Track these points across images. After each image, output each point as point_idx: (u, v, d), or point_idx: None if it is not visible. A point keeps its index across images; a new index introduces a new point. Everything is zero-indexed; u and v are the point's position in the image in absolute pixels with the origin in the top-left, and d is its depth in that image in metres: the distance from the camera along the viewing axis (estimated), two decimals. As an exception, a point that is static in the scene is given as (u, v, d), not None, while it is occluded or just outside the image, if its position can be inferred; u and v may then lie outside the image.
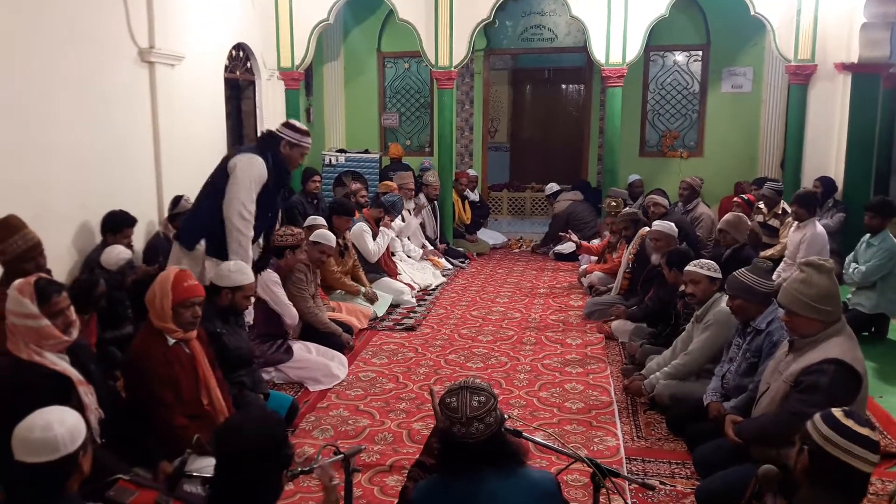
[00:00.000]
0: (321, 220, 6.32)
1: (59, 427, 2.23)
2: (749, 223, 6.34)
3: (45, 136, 5.39)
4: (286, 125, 4.92)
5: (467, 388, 2.31)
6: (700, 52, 10.68)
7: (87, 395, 3.10)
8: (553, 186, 10.23)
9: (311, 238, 5.75)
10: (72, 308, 3.14)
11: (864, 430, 2.25)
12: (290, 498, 3.53)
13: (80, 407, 3.03)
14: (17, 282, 3.03)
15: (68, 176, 5.62)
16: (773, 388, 3.44)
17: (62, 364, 3.05)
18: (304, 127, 4.95)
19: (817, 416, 2.33)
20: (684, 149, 10.87)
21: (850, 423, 2.26)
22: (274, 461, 2.21)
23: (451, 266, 8.81)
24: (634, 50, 8.63)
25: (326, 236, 5.83)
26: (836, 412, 2.30)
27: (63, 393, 3.00)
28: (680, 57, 10.80)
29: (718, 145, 10.69)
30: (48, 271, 4.19)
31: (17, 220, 3.93)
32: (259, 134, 5.29)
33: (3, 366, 3.09)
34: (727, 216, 6.07)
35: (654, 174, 10.58)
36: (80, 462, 2.28)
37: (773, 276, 5.57)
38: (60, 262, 5.35)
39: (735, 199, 7.79)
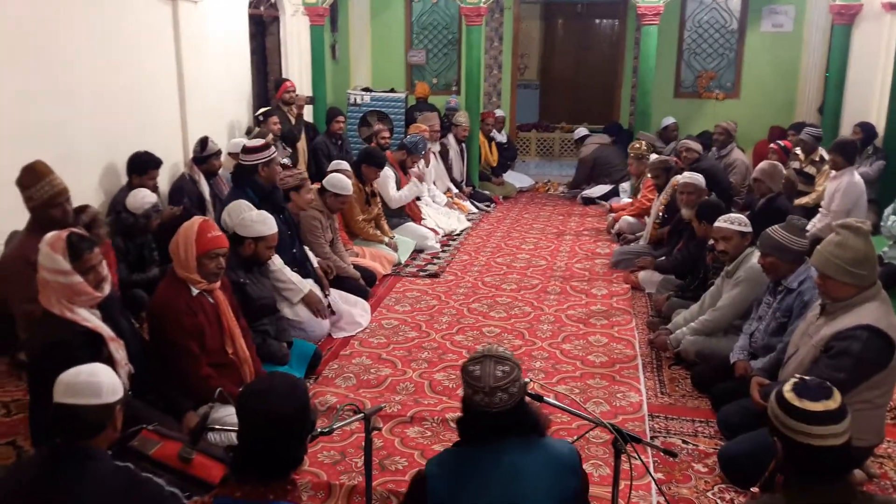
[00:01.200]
0: (345, 165, 6.24)
1: (104, 376, 2.29)
2: (784, 171, 6.16)
3: (68, 77, 5.34)
4: (244, 151, 5.17)
5: (491, 356, 2.26)
6: (740, -11, 10.27)
7: (118, 350, 3.12)
8: (581, 131, 10.03)
9: (327, 187, 5.61)
10: (104, 263, 3.13)
11: (818, 405, 2.04)
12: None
13: (110, 362, 3.05)
14: (49, 236, 3.00)
15: (93, 117, 5.58)
16: (802, 352, 3.37)
17: (94, 321, 3.05)
18: (259, 143, 5.21)
19: (772, 401, 2.16)
20: (720, 90, 10.55)
21: (804, 403, 2.05)
22: (298, 429, 2.18)
23: (476, 210, 8.72)
24: (672, -14, 8.29)
25: (344, 185, 5.64)
26: (788, 393, 2.10)
27: (94, 349, 3.02)
28: (719, -7, 10.39)
29: (756, 87, 10.36)
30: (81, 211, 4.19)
31: (44, 166, 3.91)
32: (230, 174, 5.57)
33: (36, 320, 3.11)
34: (762, 164, 5.89)
35: (688, 116, 10.32)
36: (115, 416, 2.31)
37: (808, 226, 5.45)
38: (87, 203, 5.35)
39: (771, 145, 7.56)
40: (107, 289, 3.13)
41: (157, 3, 6.35)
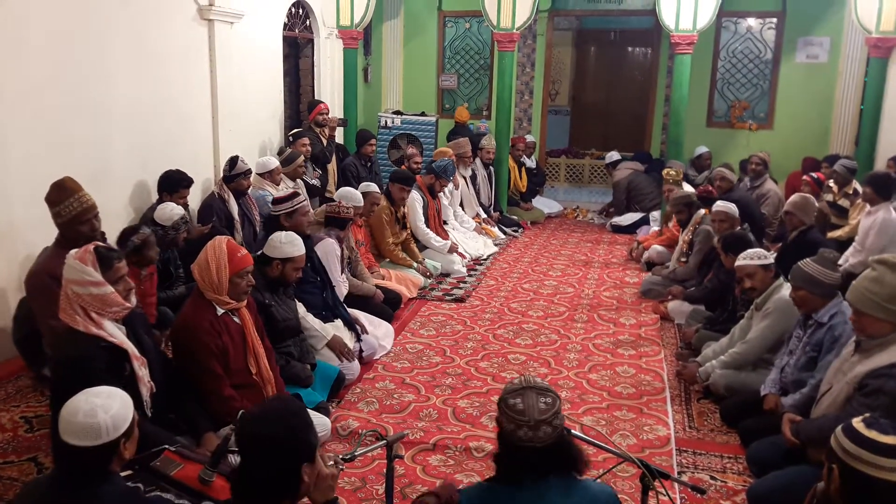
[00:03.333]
0: (374, 187, 6.24)
1: (102, 414, 2.20)
2: (817, 204, 6.06)
3: (104, 94, 5.43)
4: (273, 202, 5.23)
5: (532, 387, 2.19)
6: (774, 20, 10.19)
7: (141, 368, 3.10)
8: (613, 155, 9.97)
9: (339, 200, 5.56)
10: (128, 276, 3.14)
11: (890, 439, 2.05)
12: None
13: (132, 379, 3.04)
14: (75, 251, 3.01)
15: (126, 135, 5.67)
16: (836, 389, 3.29)
17: (119, 336, 3.04)
18: (285, 193, 5.27)
19: (838, 431, 2.15)
20: (753, 120, 10.45)
21: (872, 433, 2.07)
22: (287, 454, 2.13)
23: (503, 235, 8.69)
24: (706, 16, 8.22)
25: (353, 196, 5.64)
26: (857, 423, 2.12)
27: (118, 365, 3.01)
28: (753, 23, 10.33)
29: (789, 118, 10.24)
30: (102, 234, 4.22)
31: (73, 183, 3.94)
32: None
33: (60, 337, 3.12)
34: (794, 197, 5.79)
35: (721, 146, 10.22)
36: (121, 449, 2.27)
37: (840, 261, 5.33)
38: (118, 220, 5.42)
39: (804, 177, 7.46)
40: (133, 300, 3.13)
41: (193, 23, 6.44)
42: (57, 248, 3.85)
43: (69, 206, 3.85)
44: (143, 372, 3.10)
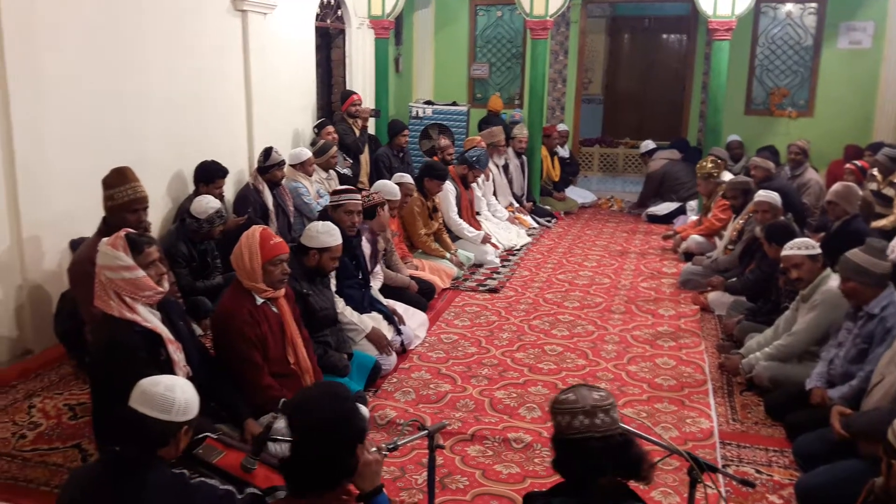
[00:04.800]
0: (408, 178, 6.20)
1: (181, 394, 2.28)
2: (860, 192, 5.90)
3: (142, 85, 5.46)
4: (331, 193, 5.12)
5: (583, 385, 2.18)
6: (815, 5, 9.97)
7: (176, 352, 3.12)
8: (649, 144, 9.83)
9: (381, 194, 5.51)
10: (164, 259, 3.17)
11: None
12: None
13: (169, 364, 3.06)
14: (107, 238, 3.06)
15: (163, 125, 5.69)
16: (889, 381, 3.21)
17: (153, 321, 3.07)
18: (344, 187, 5.23)
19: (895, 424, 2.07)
20: (793, 108, 10.24)
21: None
22: (341, 436, 2.13)
23: (536, 225, 8.60)
24: (745, 1, 8.05)
25: (391, 190, 5.63)
26: None
27: (154, 350, 3.03)
28: (793, 9, 10.10)
29: (831, 105, 10.01)
30: (148, 225, 4.24)
31: (132, 173, 4.03)
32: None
33: (96, 323, 3.14)
34: (836, 186, 5.64)
35: (759, 134, 10.01)
36: (179, 436, 2.30)
37: (887, 252, 5.19)
38: (155, 210, 5.42)
39: (848, 165, 7.28)
40: (166, 285, 3.15)
41: (227, 14, 6.45)
42: (98, 237, 3.86)
43: (123, 193, 3.92)
44: (178, 356, 3.12)
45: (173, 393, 2.26)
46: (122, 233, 3.06)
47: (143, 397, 2.25)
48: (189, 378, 3.18)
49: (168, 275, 3.25)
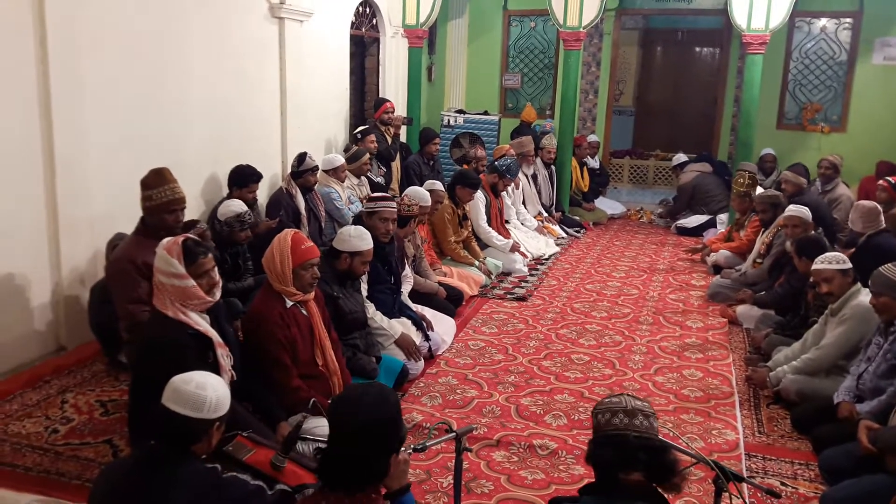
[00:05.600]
0: (438, 185, 6.26)
1: (212, 391, 2.32)
2: (882, 210, 5.82)
3: (181, 91, 5.59)
4: (367, 199, 5.14)
5: (627, 394, 2.26)
6: (850, 20, 9.87)
7: (224, 357, 3.18)
8: (680, 157, 9.80)
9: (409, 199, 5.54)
10: (216, 269, 3.20)
11: None
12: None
13: (215, 367, 3.11)
14: (166, 241, 3.10)
15: (200, 129, 5.81)
16: (919, 397, 3.17)
17: (204, 325, 3.12)
18: (380, 194, 5.25)
19: None
20: (826, 123, 10.15)
21: None
22: (386, 439, 2.17)
23: (565, 235, 8.61)
24: (780, 15, 8.01)
25: (421, 196, 5.64)
26: None
27: (202, 353, 3.09)
28: (828, 23, 10.03)
29: (864, 121, 9.90)
30: (191, 225, 4.31)
31: (170, 174, 4.08)
32: None
33: (141, 321, 3.21)
34: (857, 204, 5.60)
35: (791, 149, 9.94)
36: (212, 433, 2.34)
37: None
38: (189, 213, 5.44)
39: (880, 182, 7.19)
40: (217, 294, 3.19)
41: (264, 21, 6.57)
42: (137, 236, 3.97)
43: (161, 193, 3.96)
44: (225, 360, 3.17)
45: (205, 391, 2.30)
46: (180, 238, 3.10)
47: (175, 395, 2.29)
48: (232, 381, 3.27)
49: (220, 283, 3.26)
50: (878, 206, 5.61)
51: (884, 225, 5.48)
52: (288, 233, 3.68)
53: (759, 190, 7.37)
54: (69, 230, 4.72)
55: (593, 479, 2.30)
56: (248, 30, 6.35)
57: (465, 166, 7.98)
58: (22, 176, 4.45)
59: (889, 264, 3.72)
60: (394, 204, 4.98)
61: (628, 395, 2.24)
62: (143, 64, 5.21)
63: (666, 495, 2.25)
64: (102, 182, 4.88)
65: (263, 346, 3.54)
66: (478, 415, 4.15)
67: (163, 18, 5.35)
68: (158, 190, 3.96)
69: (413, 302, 5.27)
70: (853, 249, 5.88)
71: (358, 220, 4.98)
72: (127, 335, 3.83)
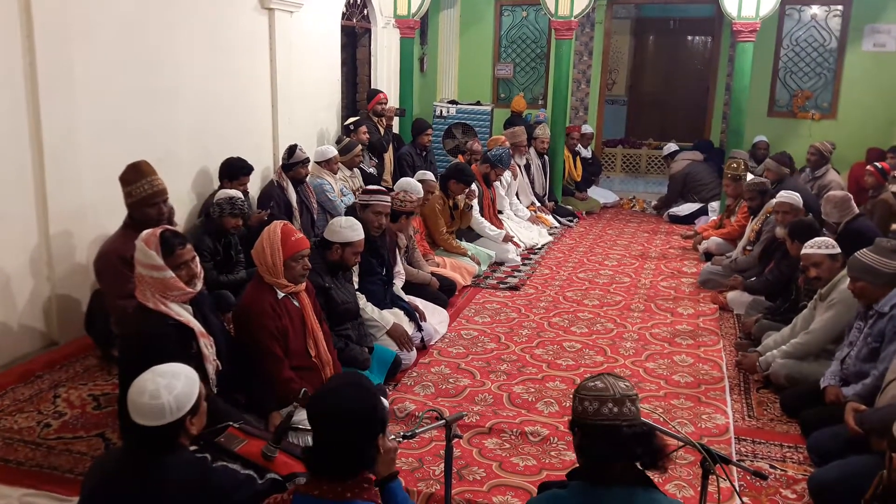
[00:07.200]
0: (430, 175, 6.27)
1: (166, 395, 2.26)
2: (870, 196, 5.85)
3: (173, 82, 5.57)
4: (362, 192, 5.16)
5: (608, 374, 2.20)
6: (840, 7, 9.90)
7: (207, 346, 3.20)
8: (671, 147, 9.83)
9: (398, 191, 5.56)
10: (196, 260, 3.20)
11: None
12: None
13: (199, 357, 3.13)
14: (144, 233, 3.11)
15: (190, 121, 5.79)
16: (903, 378, 3.20)
17: (185, 315, 3.13)
18: (374, 187, 5.22)
19: None
20: (816, 110, 10.18)
21: None
22: (365, 426, 2.20)
23: (558, 224, 8.63)
24: (770, 3, 8.01)
25: (413, 187, 5.64)
26: None
27: (185, 343, 3.11)
28: (818, 11, 10.05)
29: (854, 108, 9.95)
30: (171, 210, 4.31)
31: (147, 166, 4.06)
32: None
33: (129, 314, 3.22)
34: (828, 196, 5.62)
35: (782, 136, 9.98)
36: (188, 425, 2.34)
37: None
38: (181, 205, 5.55)
39: (868, 167, 7.24)
40: (199, 285, 3.20)
41: (254, 12, 6.56)
42: (124, 230, 3.97)
43: (141, 188, 3.95)
44: (209, 350, 3.19)
45: (159, 399, 2.25)
46: (158, 230, 3.10)
47: (135, 408, 2.26)
48: (218, 372, 3.28)
49: (201, 273, 3.26)
50: (849, 195, 5.61)
51: (857, 210, 5.48)
52: (277, 224, 3.68)
53: (750, 176, 7.42)
54: (59, 224, 4.69)
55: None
56: (237, 20, 6.32)
57: (459, 157, 7.99)
58: (10, 168, 4.41)
59: (864, 249, 3.76)
60: (388, 198, 4.99)
61: (610, 376, 2.19)
62: (133, 55, 5.18)
63: (652, 476, 2.27)
64: (92, 176, 4.85)
65: (255, 338, 3.55)
66: (470, 403, 4.17)
67: (152, 8, 5.32)
68: (137, 185, 3.96)
69: (406, 293, 5.29)
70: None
71: (351, 211, 5.00)
72: (118, 329, 3.84)
